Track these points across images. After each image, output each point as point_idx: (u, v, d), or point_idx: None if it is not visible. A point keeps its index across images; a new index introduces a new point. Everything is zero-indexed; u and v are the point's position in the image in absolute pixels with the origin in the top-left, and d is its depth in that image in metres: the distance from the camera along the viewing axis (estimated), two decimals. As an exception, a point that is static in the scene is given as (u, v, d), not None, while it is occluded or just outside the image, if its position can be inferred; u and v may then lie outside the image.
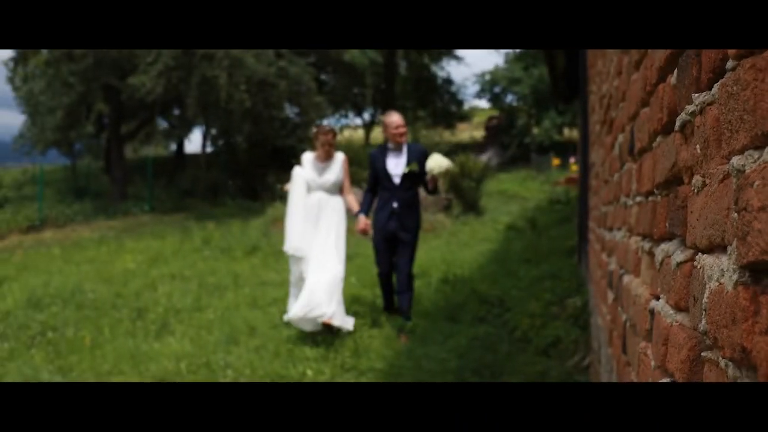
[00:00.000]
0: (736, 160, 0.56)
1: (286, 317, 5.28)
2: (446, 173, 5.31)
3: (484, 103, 28.56)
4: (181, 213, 16.92)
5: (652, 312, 1.02)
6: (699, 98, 0.72)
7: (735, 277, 0.55)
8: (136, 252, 9.96)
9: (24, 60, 19.22)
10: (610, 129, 2.20)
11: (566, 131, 24.40)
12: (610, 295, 1.92)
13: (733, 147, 0.57)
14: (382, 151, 5.40)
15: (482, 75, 25.32)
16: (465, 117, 29.49)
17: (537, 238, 9.07)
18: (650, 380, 0.97)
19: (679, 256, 0.82)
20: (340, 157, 5.48)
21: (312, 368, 4.58)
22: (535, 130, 23.52)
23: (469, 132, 31.14)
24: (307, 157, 5.47)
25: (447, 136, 27.59)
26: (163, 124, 28.07)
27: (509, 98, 25.53)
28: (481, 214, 13.60)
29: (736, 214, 0.55)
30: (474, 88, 46.96)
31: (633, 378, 1.22)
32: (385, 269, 5.46)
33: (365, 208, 5.47)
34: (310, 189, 5.37)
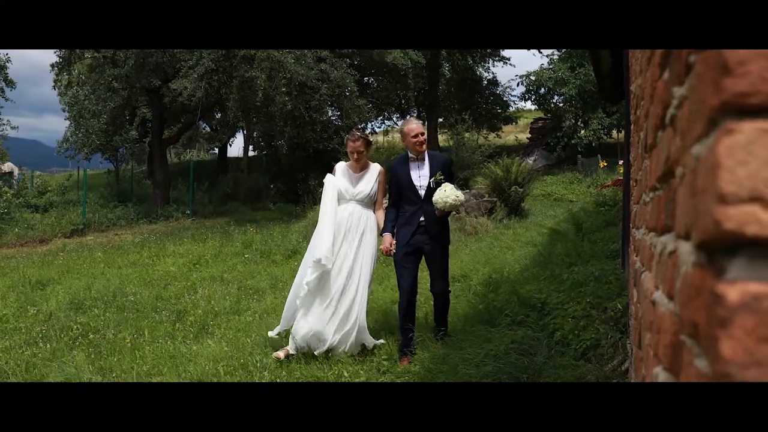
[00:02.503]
0: (695, 149, 0.59)
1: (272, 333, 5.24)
2: (453, 208, 4.76)
3: (530, 105, 28.25)
4: (223, 217, 17.27)
5: (654, 303, 1.04)
6: (678, 92, 0.74)
7: (692, 258, 0.58)
8: (177, 255, 10.21)
9: (68, 65, 19.72)
10: (637, 127, 2.19)
11: (615, 133, 23.91)
12: (635, 294, 1.92)
13: (694, 136, 0.60)
14: (404, 162, 4.99)
15: (527, 75, 25.02)
16: (510, 119, 29.22)
17: (581, 242, 8.92)
18: (651, 370, 0.99)
19: (670, 246, 0.84)
20: (376, 168, 5.14)
21: (348, 371, 4.64)
22: (582, 132, 23.11)
23: (514, 134, 30.84)
24: (341, 165, 5.17)
25: (492, 138, 27.39)
26: (205, 128, 28.69)
27: (555, 99, 25.17)
28: (525, 217, 13.49)
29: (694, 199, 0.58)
30: (520, 90, 46.46)
31: (643, 371, 1.23)
32: (408, 290, 4.90)
33: (390, 226, 4.98)
34: (341, 200, 5.04)
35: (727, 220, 0.48)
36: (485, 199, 13.57)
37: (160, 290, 7.58)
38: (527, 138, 26.68)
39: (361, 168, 5.11)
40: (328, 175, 5.13)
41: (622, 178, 13.04)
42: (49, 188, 20.66)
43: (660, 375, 0.84)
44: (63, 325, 6.07)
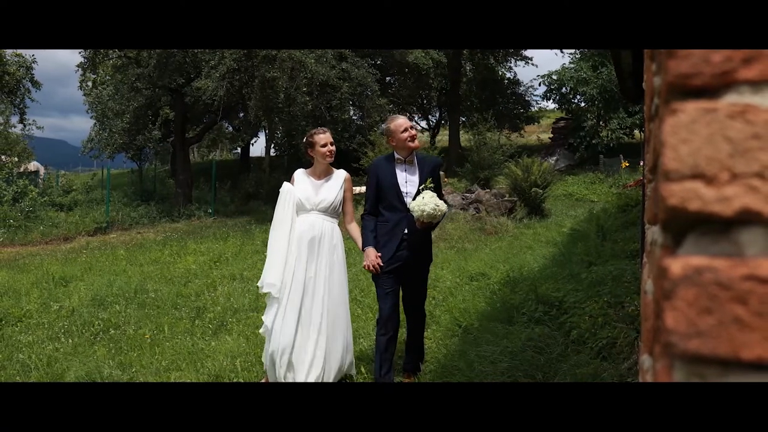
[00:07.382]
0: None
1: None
2: (431, 219, 3.96)
3: (552, 105, 28.08)
4: (244, 216, 17.40)
5: (645, 293, 1.05)
6: (657, 82, 0.76)
7: (660, 240, 0.60)
8: (198, 253, 10.32)
9: (93, 66, 20.07)
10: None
11: (637, 133, 23.66)
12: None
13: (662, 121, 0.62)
14: (388, 162, 4.21)
15: (548, 75, 24.85)
16: (532, 119, 29.08)
17: (601, 241, 8.87)
18: (640, 358, 1.01)
19: (656, 234, 0.86)
20: (341, 174, 4.42)
21: (363, 367, 4.67)
22: (603, 132, 22.91)
23: (537, 134, 30.69)
24: (300, 172, 4.47)
25: (514, 138, 27.31)
26: (228, 128, 28.95)
27: (577, 99, 24.97)
28: (545, 218, 13.43)
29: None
30: (542, 89, 46.11)
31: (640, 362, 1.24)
32: (386, 320, 4.13)
33: (371, 239, 4.14)
34: (301, 210, 4.32)
35: (671, 197, 0.50)
36: (506, 198, 13.52)
37: (181, 287, 7.68)
38: (549, 138, 26.51)
39: (324, 174, 4.42)
40: (286, 184, 4.42)
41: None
42: (74, 187, 21.01)
43: (645, 362, 0.85)
44: (85, 320, 6.19)
